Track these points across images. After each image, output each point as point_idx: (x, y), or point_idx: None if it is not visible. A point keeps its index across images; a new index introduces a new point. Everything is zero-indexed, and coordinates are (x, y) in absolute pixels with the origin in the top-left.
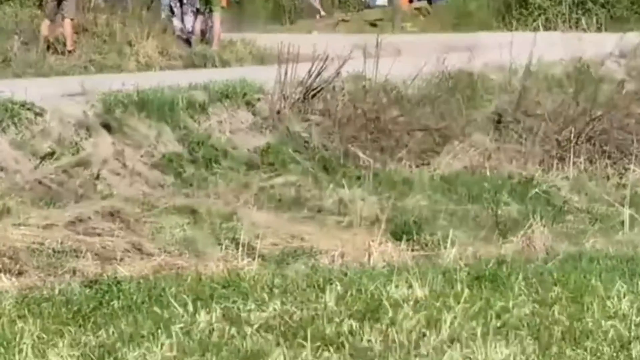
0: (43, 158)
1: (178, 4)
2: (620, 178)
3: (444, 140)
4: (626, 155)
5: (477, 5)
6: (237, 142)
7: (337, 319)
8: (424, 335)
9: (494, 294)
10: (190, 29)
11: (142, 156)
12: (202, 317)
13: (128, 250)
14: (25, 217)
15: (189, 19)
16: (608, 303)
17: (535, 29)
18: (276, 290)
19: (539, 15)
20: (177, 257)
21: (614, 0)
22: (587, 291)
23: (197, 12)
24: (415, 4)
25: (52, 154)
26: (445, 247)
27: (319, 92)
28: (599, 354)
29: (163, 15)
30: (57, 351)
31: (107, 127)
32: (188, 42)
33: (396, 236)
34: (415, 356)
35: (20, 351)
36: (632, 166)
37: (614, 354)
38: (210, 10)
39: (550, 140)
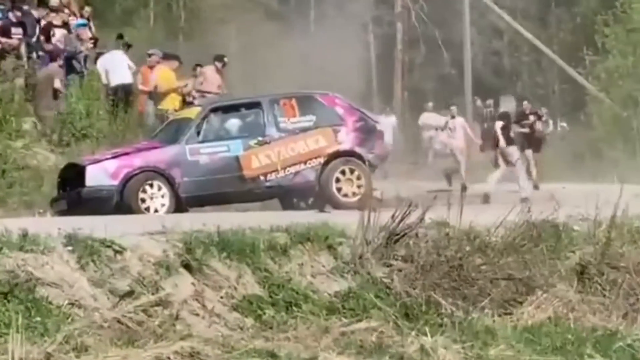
0: (122, 297)
1: None
2: None
3: (528, 290)
4: None
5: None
6: (318, 286)
7: None
8: None
9: None
10: None
11: (222, 297)
12: None
13: None
14: (104, 356)
15: None
16: None
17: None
18: None
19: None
20: None
21: None
22: None
23: None
24: None
25: (131, 292)
26: None
27: (401, 237)
28: None
29: None
30: None
31: (187, 267)
32: None
33: None
34: None
35: None
36: None
37: None
38: None
39: (634, 293)
